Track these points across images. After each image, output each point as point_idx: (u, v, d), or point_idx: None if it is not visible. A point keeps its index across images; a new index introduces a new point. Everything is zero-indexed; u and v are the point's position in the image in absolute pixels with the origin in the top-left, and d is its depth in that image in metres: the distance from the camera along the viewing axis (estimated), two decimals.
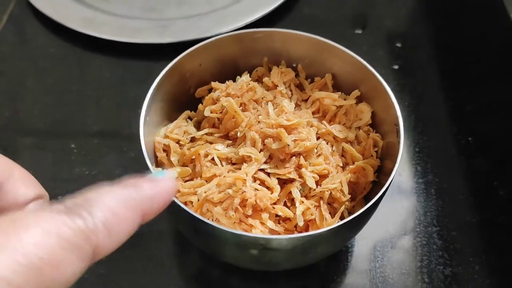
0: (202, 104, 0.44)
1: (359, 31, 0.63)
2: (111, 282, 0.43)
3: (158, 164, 0.41)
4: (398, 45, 0.62)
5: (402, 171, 0.50)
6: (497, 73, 0.59)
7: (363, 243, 0.46)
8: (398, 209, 0.48)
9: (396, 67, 0.59)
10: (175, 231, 0.46)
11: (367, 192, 0.41)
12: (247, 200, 0.36)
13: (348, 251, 0.45)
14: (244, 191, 0.36)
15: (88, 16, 0.61)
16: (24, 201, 0.24)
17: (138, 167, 0.49)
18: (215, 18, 0.61)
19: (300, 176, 0.39)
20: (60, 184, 0.48)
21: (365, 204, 0.40)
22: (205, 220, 0.33)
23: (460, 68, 0.59)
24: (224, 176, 0.37)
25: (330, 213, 0.39)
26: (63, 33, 0.61)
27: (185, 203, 0.37)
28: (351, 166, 0.41)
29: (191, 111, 0.45)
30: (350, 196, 0.40)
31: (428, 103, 0.56)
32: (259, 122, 0.40)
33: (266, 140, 0.39)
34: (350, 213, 0.40)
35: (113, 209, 0.20)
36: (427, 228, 0.46)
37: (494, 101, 0.56)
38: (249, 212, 0.36)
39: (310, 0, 0.66)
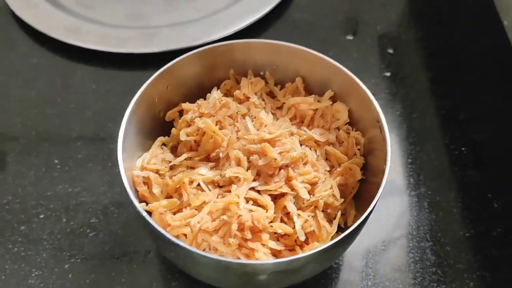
0: (175, 128, 0.43)
1: (350, 37, 0.62)
2: None
3: (140, 198, 0.39)
4: (390, 51, 0.60)
5: (394, 183, 0.49)
6: (491, 81, 0.58)
7: (355, 258, 0.45)
8: (390, 223, 0.47)
9: (388, 74, 0.58)
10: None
11: (355, 191, 0.41)
12: (244, 223, 0.35)
13: (339, 268, 0.44)
14: (240, 215, 0.35)
15: (72, 24, 0.59)
16: None
17: (123, 185, 0.48)
18: (204, 26, 0.59)
19: (292, 189, 0.38)
20: (43, 202, 0.47)
21: (355, 203, 0.41)
22: (206, 254, 0.32)
23: (453, 76, 0.58)
24: (214, 202, 0.36)
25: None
26: (47, 43, 0.59)
27: (177, 236, 0.36)
28: (338, 169, 0.41)
29: (164, 137, 0.43)
30: (343, 199, 0.40)
31: (420, 112, 0.55)
32: (238, 138, 0.39)
33: (251, 157, 0.38)
34: (342, 215, 0.41)
35: None
36: (420, 243, 0.45)
37: (488, 109, 0.55)
38: (249, 236, 0.35)
39: (301, 6, 0.65)
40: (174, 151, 0.43)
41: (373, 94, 0.40)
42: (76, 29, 0.59)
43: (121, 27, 0.60)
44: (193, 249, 0.32)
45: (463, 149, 0.51)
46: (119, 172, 0.49)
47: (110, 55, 0.57)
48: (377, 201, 0.35)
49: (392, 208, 0.48)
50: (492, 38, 0.61)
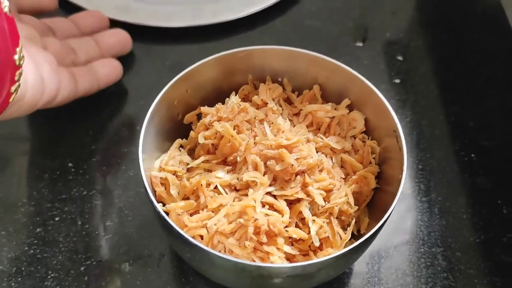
0: (192, 130, 0.44)
1: (360, 44, 0.62)
2: None
3: (158, 199, 0.40)
4: (399, 58, 0.61)
5: (405, 189, 0.50)
6: (500, 87, 0.58)
7: (366, 263, 0.45)
8: (401, 228, 0.47)
9: (397, 81, 0.59)
10: (174, 254, 0.45)
11: (369, 199, 0.42)
12: (260, 227, 0.35)
13: (350, 273, 0.45)
14: (256, 219, 0.35)
15: (122, 4, 0.61)
16: None
17: (137, 187, 0.49)
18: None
19: (308, 195, 0.38)
20: (58, 205, 0.47)
21: (368, 212, 0.42)
22: (223, 255, 0.33)
23: (463, 82, 0.59)
24: (231, 205, 0.37)
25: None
26: None
27: (194, 238, 0.36)
28: (353, 177, 0.41)
29: (181, 139, 0.44)
30: (357, 207, 0.40)
31: (430, 119, 0.55)
32: (256, 143, 0.40)
33: (268, 162, 0.38)
34: (355, 222, 0.41)
35: None
36: (431, 248, 0.46)
37: (497, 116, 0.56)
38: (264, 239, 0.35)
39: (311, 12, 0.65)
40: (191, 153, 0.43)
41: None
42: (126, 8, 0.61)
43: (166, 4, 0.62)
44: (210, 250, 0.32)
45: (472, 155, 0.52)
46: (133, 175, 0.50)
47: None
48: (392, 210, 0.36)
49: (403, 214, 0.48)
50: (501, 45, 0.62)
